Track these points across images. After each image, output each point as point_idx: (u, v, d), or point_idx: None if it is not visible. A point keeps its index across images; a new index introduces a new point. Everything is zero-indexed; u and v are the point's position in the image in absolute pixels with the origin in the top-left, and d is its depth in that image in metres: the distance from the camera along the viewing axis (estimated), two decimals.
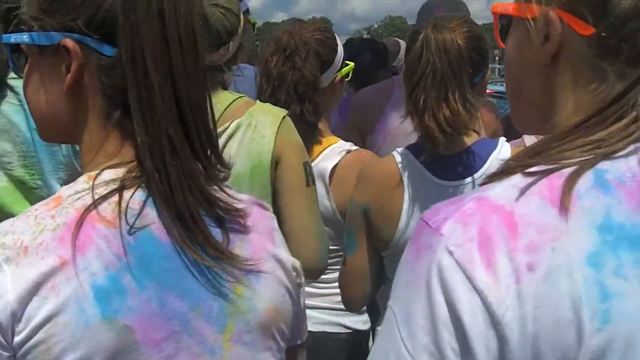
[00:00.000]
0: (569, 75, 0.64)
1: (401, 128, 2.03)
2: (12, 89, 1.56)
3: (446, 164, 1.44)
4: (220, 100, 1.42)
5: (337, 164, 1.67)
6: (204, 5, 0.79)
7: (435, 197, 1.43)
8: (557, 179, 0.58)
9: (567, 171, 0.58)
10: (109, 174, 0.73)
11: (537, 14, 0.64)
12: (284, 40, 1.63)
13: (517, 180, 0.59)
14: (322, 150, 1.71)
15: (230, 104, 1.42)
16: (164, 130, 0.72)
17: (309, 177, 1.46)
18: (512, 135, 2.35)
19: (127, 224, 0.70)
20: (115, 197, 0.71)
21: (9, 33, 0.79)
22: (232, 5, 1.46)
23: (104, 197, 0.70)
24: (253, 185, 1.38)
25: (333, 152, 1.70)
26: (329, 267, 1.56)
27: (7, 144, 1.56)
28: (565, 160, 0.59)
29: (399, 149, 1.50)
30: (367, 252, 1.52)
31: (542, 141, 0.63)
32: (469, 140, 1.45)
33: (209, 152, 0.77)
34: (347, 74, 1.82)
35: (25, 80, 0.80)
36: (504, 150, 1.47)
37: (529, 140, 2.28)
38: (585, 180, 0.57)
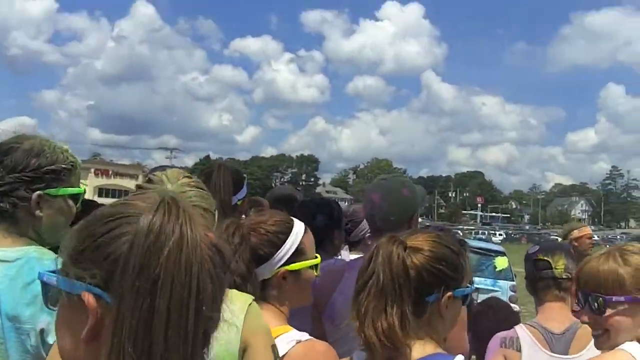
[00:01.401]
0: None
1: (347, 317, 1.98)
2: None
3: None
4: None
5: (285, 354, 1.61)
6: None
7: None
8: None
9: None
10: None
11: None
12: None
13: None
14: None
15: None
16: None
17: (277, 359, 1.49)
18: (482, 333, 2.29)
19: None
20: None
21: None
22: (211, 204, 1.59)
23: None
24: None
25: (282, 341, 1.64)
26: None
27: None
28: None
29: (358, 352, 1.45)
30: None
31: None
32: (416, 353, 1.39)
33: None
34: (315, 267, 1.78)
35: (56, 315, 0.78)
36: None
37: (522, 333, 2.22)
38: None
